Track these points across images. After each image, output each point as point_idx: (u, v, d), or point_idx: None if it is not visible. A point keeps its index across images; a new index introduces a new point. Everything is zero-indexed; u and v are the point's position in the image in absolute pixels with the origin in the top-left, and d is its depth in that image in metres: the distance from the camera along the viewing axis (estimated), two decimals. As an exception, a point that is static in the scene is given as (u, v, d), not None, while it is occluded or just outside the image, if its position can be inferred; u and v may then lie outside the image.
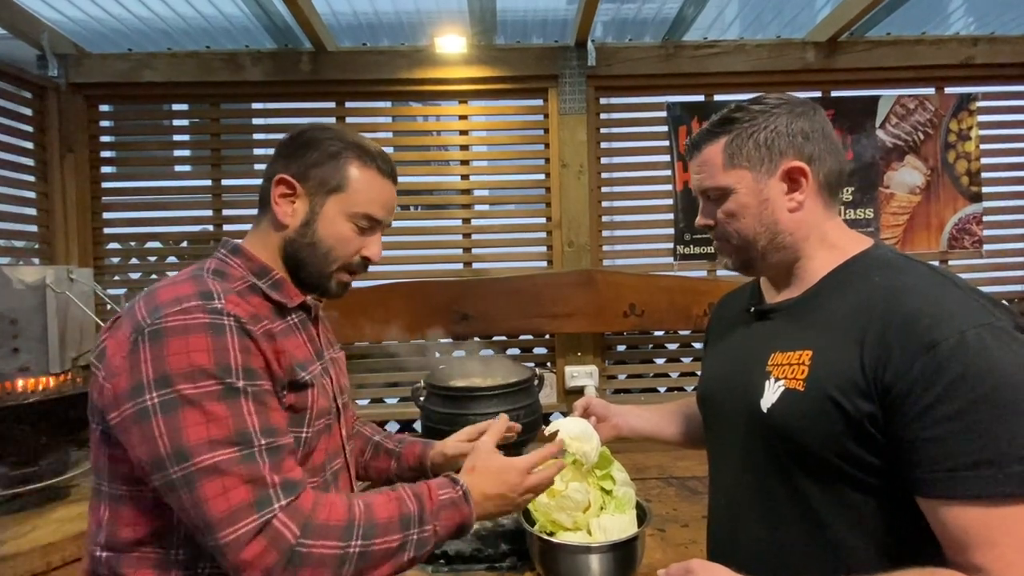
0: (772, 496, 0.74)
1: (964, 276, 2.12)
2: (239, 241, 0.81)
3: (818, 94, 2.14)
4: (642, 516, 1.05)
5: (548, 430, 1.02)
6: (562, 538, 0.99)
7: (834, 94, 2.14)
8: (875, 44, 2.09)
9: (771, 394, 0.72)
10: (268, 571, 0.61)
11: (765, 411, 0.72)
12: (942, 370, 0.58)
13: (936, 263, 2.15)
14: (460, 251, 2.10)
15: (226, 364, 0.64)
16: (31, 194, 1.97)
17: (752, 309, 0.83)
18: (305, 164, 0.79)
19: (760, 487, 0.75)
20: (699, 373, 0.96)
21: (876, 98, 2.12)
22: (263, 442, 0.64)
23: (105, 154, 2.11)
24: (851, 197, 2.12)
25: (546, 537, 0.99)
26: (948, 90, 2.15)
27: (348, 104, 2.09)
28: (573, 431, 1.00)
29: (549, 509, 1.01)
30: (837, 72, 2.10)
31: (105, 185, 2.09)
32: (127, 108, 2.15)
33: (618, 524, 1.00)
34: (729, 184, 0.76)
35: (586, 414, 1.08)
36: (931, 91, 2.15)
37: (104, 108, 2.11)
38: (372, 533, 0.67)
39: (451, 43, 1.99)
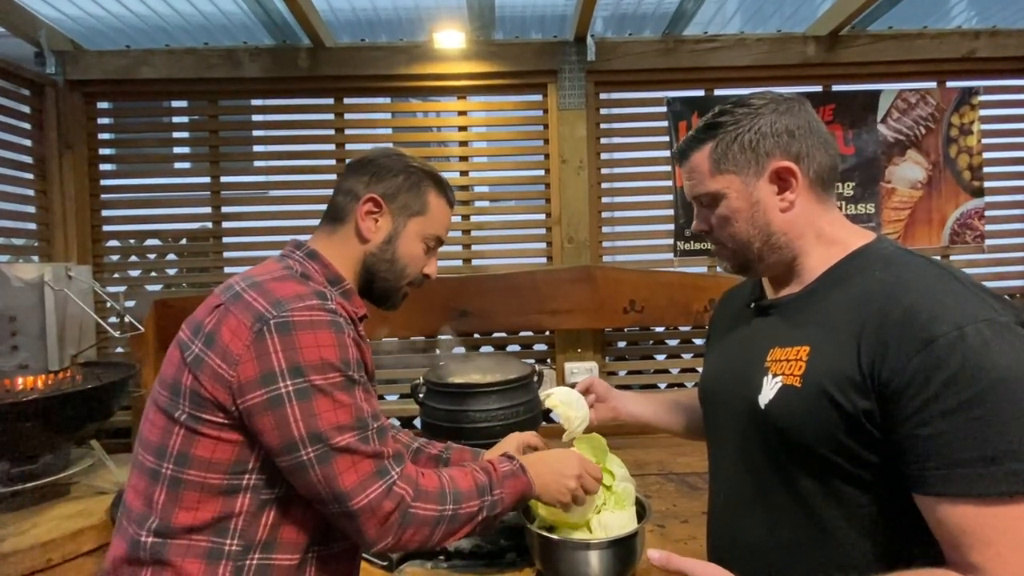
0: (770, 493, 0.74)
1: (966, 271, 2.13)
2: (314, 246, 0.87)
3: (819, 88, 2.13)
4: (641, 512, 1.05)
5: (542, 394, 1.09)
6: (561, 534, 0.99)
7: (835, 88, 2.13)
8: (876, 38, 2.08)
9: (769, 390, 0.72)
10: (389, 528, 0.73)
11: (763, 407, 0.72)
12: (940, 366, 0.57)
13: (938, 258, 2.16)
14: (460, 247, 2.09)
15: (347, 358, 0.73)
16: (30, 192, 1.96)
17: (753, 305, 0.83)
18: (393, 187, 0.88)
19: (758, 484, 0.75)
20: (700, 369, 0.95)
21: (877, 92, 2.10)
22: (374, 425, 0.74)
23: (103, 151, 2.11)
24: (852, 192, 2.11)
25: (546, 534, 0.99)
26: (950, 84, 2.14)
27: (347, 100, 2.08)
28: (563, 397, 1.05)
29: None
30: (838, 66, 2.09)
31: (104, 183, 2.09)
32: (125, 105, 2.14)
33: (618, 520, 1.00)
34: (718, 189, 0.76)
35: (587, 392, 1.09)
36: (933, 85, 2.14)
37: (102, 105, 2.10)
38: (459, 498, 0.80)
39: (449, 38, 1.98)
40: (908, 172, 2.13)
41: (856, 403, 0.62)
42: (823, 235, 0.75)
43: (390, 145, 2.13)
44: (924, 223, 2.14)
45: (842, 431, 0.64)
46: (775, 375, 0.72)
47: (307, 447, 0.70)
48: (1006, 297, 0.65)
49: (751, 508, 0.77)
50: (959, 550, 0.57)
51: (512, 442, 1.06)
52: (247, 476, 0.74)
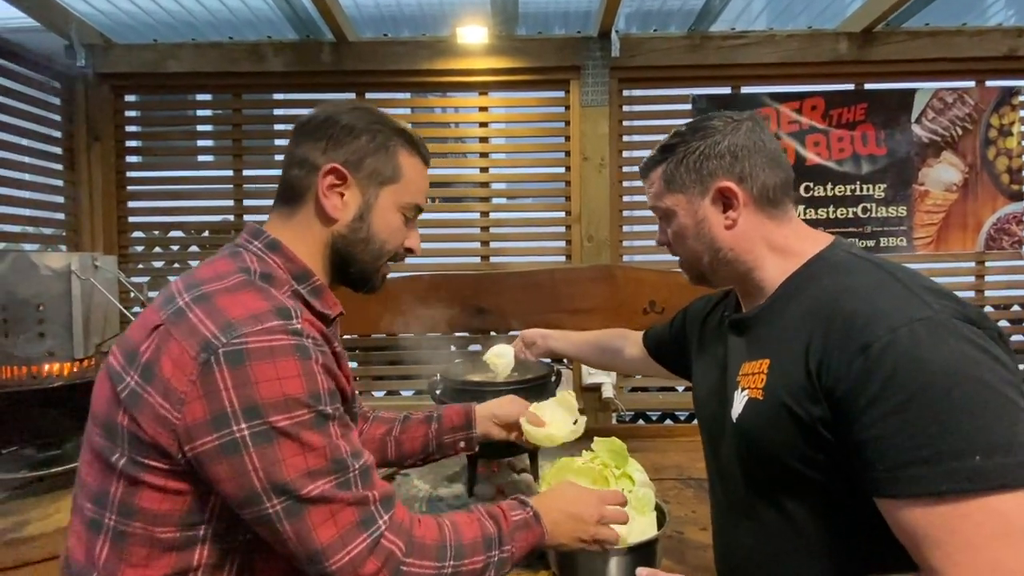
0: (752, 506, 0.75)
1: (1002, 278, 2.07)
2: (273, 236, 0.72)
3: (851, 86, 2.07)
4: (661, 519, 1.03)
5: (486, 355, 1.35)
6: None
7: (868, 87, 2.06)
8: (912, 35, 2.00)
9: (738, 404, 0.74)
10: None
11: (735, 421, 0.75)
12: (875, 370, 0.58)
13: (971, 263, 2.09)
14: (478, 244, 2.08)
15: (316, 391, 0.61)
16: (59, 182, 2.00)
17: (728, 319, 0.85)
18: (356, 152, 0.73)
19: (741, 497, 0.77)
20: (693, 382, 1.00)
21: (912, 91, 2.03)
22: (356, 465, 0.62)
23: (130, 143, 2.13)
24: (883, 194, 2.05)
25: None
26: (989, 83, 2.06)
27: (368, 95, 2.08)
28: (495, 350, 1.37)
29: None
30: (872, 64, 2.02)
31: (129, 174, 2.12)
32: (152, 98, 2.17)
33: (637, 527, 0.98)
34: (668, 207, 0.80)
35: (531, 345, 1.37)
36: (971, 84, 2.06)
37: (130, 98, 2.14)
38: (462, 554, 0.67)
39: (472, 34, 1.96)
40: (943, 174, 2.05)
41: (810, 411, 0.64)
42: (776, 247, 0.77)
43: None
44: (958, 227, 2.07)
45: (802, 440, 0.65)
46: (743, 389, 0.74)
47: (271, 499, 0.58)
48: (951, 292, 0.64)
49: (738, 521, 0.79)
50: (919, 552, 0.57)
51: (504, 406, 1.06)
52: (203, 527, 0.62)
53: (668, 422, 2.43)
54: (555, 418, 1.11)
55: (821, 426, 0.64)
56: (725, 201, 0.77)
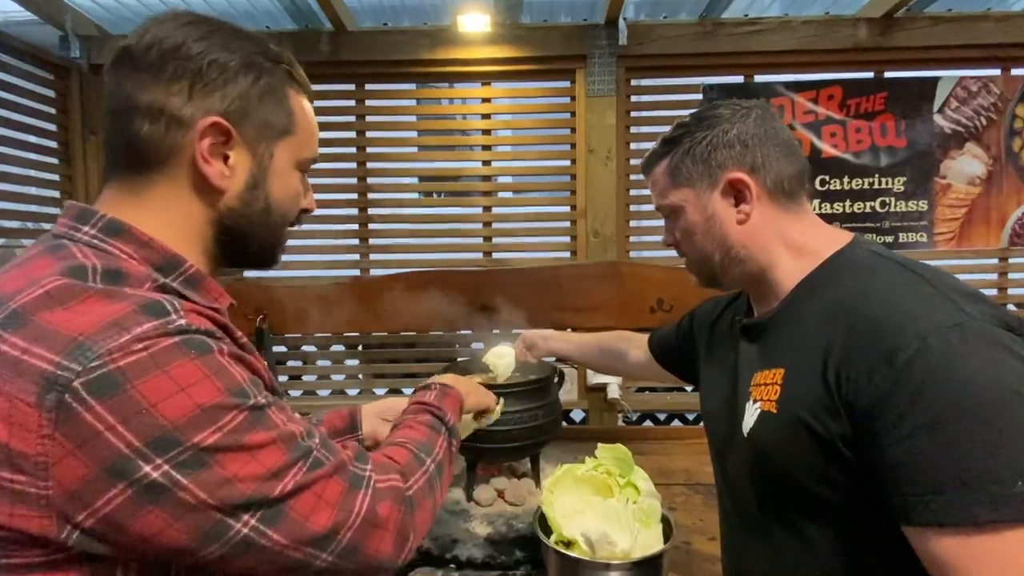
0: (765, 526, 0.71)
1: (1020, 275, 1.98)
2: (116, 215, 0.52)
3: (871, 75, 1.98)
4: (668, 531, 0.97)
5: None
6: (580, 552, 0.92)
7: (888, 75, 1.97)
8: (935, 20, 1.91)
9: (750, 417, 0.70)
10: (401, 529, 0.56)
11: (746, 435, 0.70)
12: (903, 382, 0.53)
13: (995, 260, 2.01)
14: (480, 240, 2.03)
15: (236, 386, 0.48)
16: (54, 176, 1.97)
17: (739, 323, 0.80)
18: (238, 98, 0.54)
19: (753, 516, 0.73)
20: (700, 389, 0.95)
21: (935, 80, 1.94)
22: (315, 442, 0.53)
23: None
24: (903, 188, 1.96)
25: (563, 551, 0.92)
26: (1015, 71, 1.96)
27: (368, 86, 2.03)
28: (494, 351, 1.32)
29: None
30: (892, 51, 1.93)
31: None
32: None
33: (642, 539, 0.92)
34: (675, 203, 0.76)
35: (531, 347, 1.34)
36: (996, 72, 1.96)
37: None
38: (429, 448, 0.68)
39: (474, 22, 1.90)
40: (966, 167, 1.96)
41: (829, 427, 0.59)
42: (792, 245, 0.72)
43: (415, 134, 2.08)
44: (981, 223, 1.98)
45: (822, 459, 0.60)
46: (755, 401, 0.70)
47: (239, 519, 0.46)
48: (987, 297, 0.58)
49: (751, 542, 0.74)
50: None
51: (394, 407, 0.93)
52: None
53: (676, 423, 2.37)
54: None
55: (841, 444, 0.58)
56: (736, 194, 0.72)
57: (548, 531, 0.97)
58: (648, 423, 2.40)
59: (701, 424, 2.33)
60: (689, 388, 2.05)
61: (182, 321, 0.47)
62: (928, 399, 0.51)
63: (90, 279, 0.47)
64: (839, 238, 0.71)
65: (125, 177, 0.55)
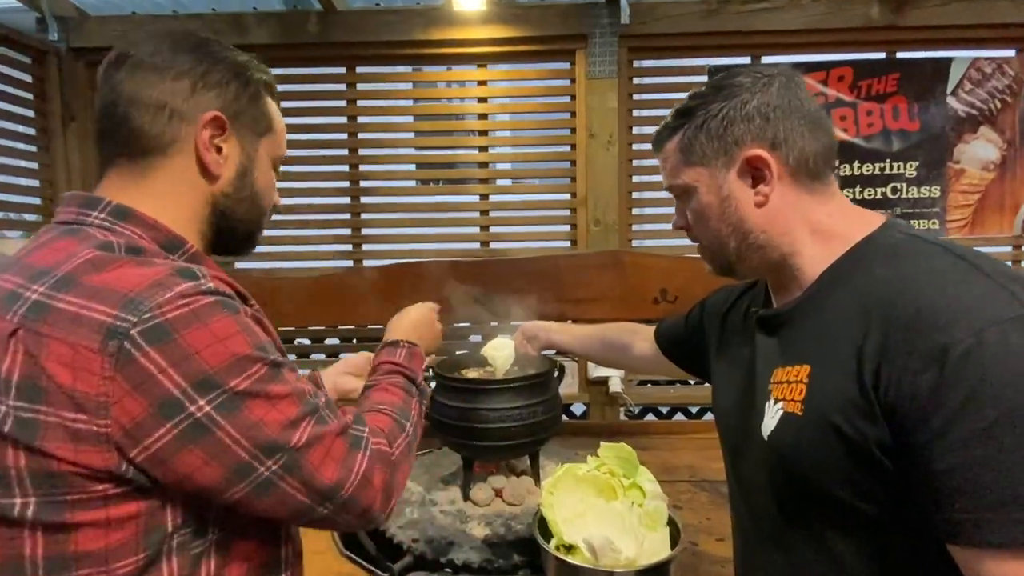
0: (785, 537, 0.65)
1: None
2: (122, 200, 0.59)
3: (882, 55, 1.91)
4: (675, 535, 0.92)
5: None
6: (582, 559, 0.86)
7: (900, 55, 1.90)
8: (949, -2, 1.84)
9: (770, 419, 0.64)
10: (386, 488, 0.63)
11: (766, 438, 0.64)
12: (954, 382, 0.47)
13: (1008, 248, 1.95)
14: (477, 229, 1.97)
15: (260, 342, 0.56)
16: (33, 164, 1.90)
17: (755, 315, 0.74)
18: (232, 99, 0.63)
19: (773, 524, 0.67)
20: (712, 384, 0.89)
21: (948, 60, 1.87)
22: (321, 402, 0.61)
23: (109, 123, 2.02)
24: (915, 173, 1.90)
25: (563, 557, 0.87)
26: (1032, 52, 1.89)
27: (359, 69, 1.96)
28: (493, 343, 1.29)
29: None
30: (905, 30, 1.86)
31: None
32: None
33: (648, 544, 0.87)
34: (687, 183, 0.69)
35: (532, 339, 1.29)
36: (1011, 54, 1.89)
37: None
38: (406, 412, 0.74)
39: (469, 0, 1.82)
40: (980, 151, 1.89)
41: (865, 432, 0.53)
42: (818, 228, 0.65)
43: (409, 119, 2.01)
44: (995, 209, 1.91)
45: (853, 466, 0.55)
46: (776, 400, 0.64)
47: (265, 462, 0.54)
48: None
49: (768, 553, 0.69)
50: None
51: (361, 364, 1.08)
52: (166, 542, 0.54)
53: (679, 417, 2.32)
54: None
55: (878, 450, 0.52)
56: (755, 173, 0.65)
57: (548, 535, 0.92)
58: (650, 417, 2.35)
59: (705, 418, 2.28)
60: (692, 381, 2.00)
61: (210, 284, 0.54)
62: (983, 403, 0.46)
63: (117, 252, 0.55)
64: (870, 221, 0.64)
65: (127, 165, 0.61)
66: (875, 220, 0.64)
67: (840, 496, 0.56)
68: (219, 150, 0.63)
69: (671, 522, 0.94)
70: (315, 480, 0.56)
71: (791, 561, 0.64)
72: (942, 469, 0.47)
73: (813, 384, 0.59)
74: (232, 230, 0.67)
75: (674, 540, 0.91)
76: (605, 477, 0.97)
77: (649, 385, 2.08)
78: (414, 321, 0.95)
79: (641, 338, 1.15)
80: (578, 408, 2.22)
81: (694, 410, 2.37)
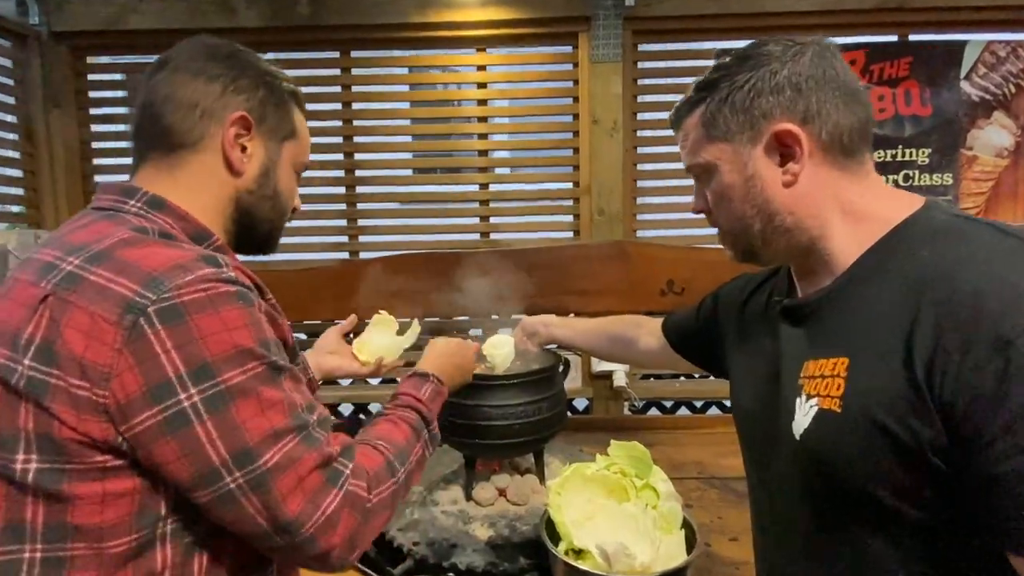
0: (818, 544, 0.61)
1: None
2: (156, 191, 0.63)
3: (894, 38, 1.86)
4: (690, 538, 0.87)
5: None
6: (593, 565, 0.82)
7: (912, 38, 1.85)
8: (963, -22, 1.78)
9: (803, 416, 0.59)
10: (352, 537, 0.59)
11: (798, 438, 0.59)
12: (1019, 375, 0.43)
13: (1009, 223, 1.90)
14: (476, 219, 1.92)
15: (264, 339, 0.56)
16: (15, 154, 1.83)
17: (778, 307, 0.68)
18: (259, 102, 0.68)
19: (803, 532, 0.63)
20: (730, 379, 0.83)
21: (962, 43, 1.81)
22: (313, 419, 0.59)
23: (94, 111, 1.95)
24: (927, 160, 1.84)
25: (573, 563, 0.82)
26: (1047, 35, 1.84)
27: (353, 53, 1.89)
28: (492, 340, 1.22)
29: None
30: (917, 12, 1.81)
31: (96, 145, 1.94)
32: (118, 59, 1.99)
33: (664, 549, 0.82)
34: (709, 161, 0.64)
35: (532, 335, 1.24)
36: (1025, 37, 1.84)
37: (92, 60, 1.95)
38: (404, 457, 0.70)
39: (468, -19, 1.76)
40: (993, 137, 1.84)
41: (917, 431, 0.49)
42: (851, 210, 0.60)
43: (405, 105, 1.96)
44: (1009, 197, 1.87)
45: (901, 467, 0.50)
46: (809, 396, 0.59)
47: (233, 472, 0.52)
48: None
49: (798, 560, 0.64)
50: None
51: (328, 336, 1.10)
52: (160, 524, 0.54)
53: (683, 411, 2.28)
54: (380, 340, 1.11)
55: (931, 452, 0.48)
56: (783, 150, 0.60)
57: (556, 538, 0.87)
58: (653, 411, 2.31)
59: (710, 412, 2.22)
60: (697, 375, 1.96)
61: (231, 273, 0.56)
62: None
63: (151, 236, 0.58)
64: (910, 202, 0.59)
65: (161, 158, 0.65)
66: (915, 201, 0.59)
67: (884, 500, 0.51)
68: (244, 149, 0.67)
69: (686, 524, 0.89)
70: (279, 508, 0.54)
71: (825, 570, 0.60)
72: (1003, 471, 0.44)
73: (853, 378, 0.54)
74: (254, 227, 0.70)
75: (690, 543, 0.86)
76: (616, 477, 0.92)
77: (652, 379, 2.04)
78: (452, 356, 0.95)
79: (647, 332, 1.10)
80: (580, 403, 2.18)
81: (699, 404, 2.32)
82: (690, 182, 2.01)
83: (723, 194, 0.64)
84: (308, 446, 0.56)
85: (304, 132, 0.75)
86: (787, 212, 0.61)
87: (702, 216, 0.71)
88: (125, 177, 0.67)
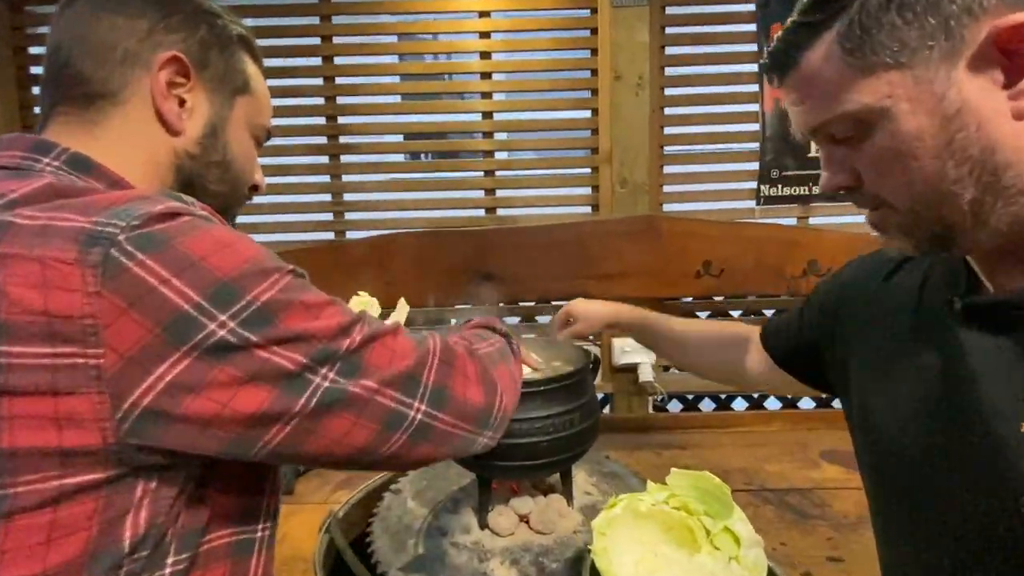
0: None
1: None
2: (76, 147, 0.51)
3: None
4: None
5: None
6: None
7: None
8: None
9: None
10: (483, 373, 0.58)
11: None
12: None
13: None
14: (481, 193, 1.74)
15: (271, 252, 0.49)
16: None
17: (962, 304, 0.50)
18: (197, 44, 0.57)
19: None
20: (857, 404, 0.62)
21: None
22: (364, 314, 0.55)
23: (36, 70, 1.72)
24: None
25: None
26: None
27: (335, 20, 1.68)
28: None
29: None
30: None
31: (38, 110, 1.69)
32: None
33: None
34: (869, 104, 0.45)
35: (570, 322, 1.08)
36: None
37: (33, 10, 1.70)
38: (483, 334, 0.68)
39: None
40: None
41: None
42: None
43: (396, 79, 1.76)
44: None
45: None
46: None
47: (317, 372, 0.45)
48: None
49: None
50: None
51: None
52: (169, 530, 0.45)
53: (707, 405, 2.10)
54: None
55: None
56: (1008, 63, 0.41)
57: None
58: (674, 405, 2.14)
59: (735, 406, 2.00)
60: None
61: (203, 212, 0.48)
62: None
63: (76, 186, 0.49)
64: None
65: (75, 112, 0.55)
66: None
67: None
68: (182, 103, 0.57)
69: (771, 573, 0.71)
70: (386, 373, 0.49)
71: None
72: None
73: None
74: (201, 202, 0.58)
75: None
76: (679, 515, 0.73)
77: (674, 370, 1.86)
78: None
79: (753, 344, 0.87)
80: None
81: (722, 397, 2.16)
82: (729, 147, 1.72)
83: (900, 152, 0.44)
84: (374, 324, 0.51)
85: (260, 86, 0.64)
86: (1019, 159, 0.42)
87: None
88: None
